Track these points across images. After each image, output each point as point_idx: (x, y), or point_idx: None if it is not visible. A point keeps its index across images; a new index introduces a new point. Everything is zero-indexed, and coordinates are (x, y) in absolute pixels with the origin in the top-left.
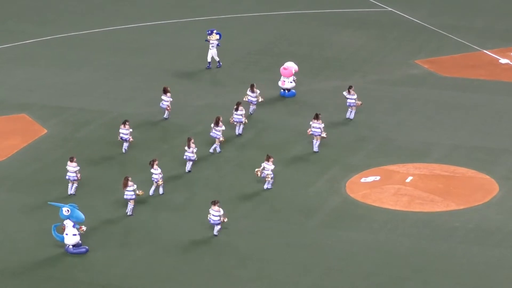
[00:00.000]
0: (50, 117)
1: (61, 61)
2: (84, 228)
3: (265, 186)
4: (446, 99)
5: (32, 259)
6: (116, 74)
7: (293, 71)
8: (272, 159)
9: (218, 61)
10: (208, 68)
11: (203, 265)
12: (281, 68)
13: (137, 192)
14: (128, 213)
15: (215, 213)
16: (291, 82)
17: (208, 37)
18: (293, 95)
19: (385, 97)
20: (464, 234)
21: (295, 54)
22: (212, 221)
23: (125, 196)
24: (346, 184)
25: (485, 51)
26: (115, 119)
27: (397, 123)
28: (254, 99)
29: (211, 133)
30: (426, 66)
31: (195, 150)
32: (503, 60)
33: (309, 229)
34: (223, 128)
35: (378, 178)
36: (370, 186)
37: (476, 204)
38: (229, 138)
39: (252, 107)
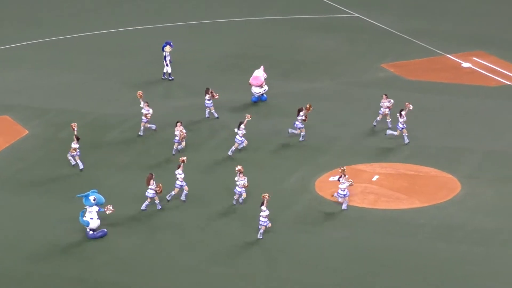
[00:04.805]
0: (32, 118)
1: (45, 64)
2: (111, 207)
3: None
4: (411, 101)
5: (15, 256)
6: (98, 76)
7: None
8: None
9: (167, 73)
10: (164, 78)
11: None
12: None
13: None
14: (149, 208)
15: (263, 214)
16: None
17: (168, 48)
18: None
19: (354, 99)
20: (429, 230)
21: (268, 58)
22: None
23: (146, 194)
24: (315, 183)
25: (448, 55)
26: (96, 119)
27: (364, 124)
28: (210, 103)
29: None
30: (392, 69)
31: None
32: (465, 64)
33: (279, 226)
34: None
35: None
36: (338, 185)
37: (440, 201)
38: (202, 140)
39: (208, 111)
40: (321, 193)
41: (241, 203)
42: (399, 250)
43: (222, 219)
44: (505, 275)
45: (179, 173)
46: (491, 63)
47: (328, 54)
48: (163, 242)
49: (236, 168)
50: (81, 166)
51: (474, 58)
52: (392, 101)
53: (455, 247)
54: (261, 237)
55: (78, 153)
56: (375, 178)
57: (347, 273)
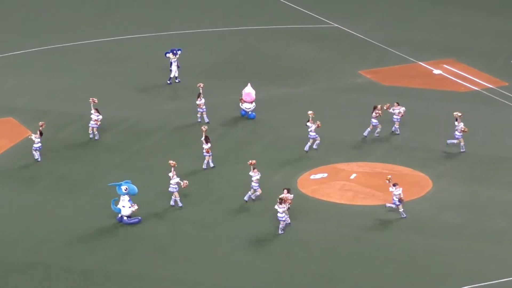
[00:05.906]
0: (35, 120)
1: (46, 70)
2: (136, 206)
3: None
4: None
5: (20, 247)
6: (94, 81)
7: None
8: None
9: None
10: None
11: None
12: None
13: (181, 184)
14: (176, 205)
15: (280, 210)
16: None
17: (170, 55)
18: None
19: (333, 103)
20: (403, 225)
21: (254, 65)
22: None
23: (169, 189)
24: (297, 181)
25: (420, 63)
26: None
27: (343, 126)
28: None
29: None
30: (369, 76)
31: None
32: (436, 71)
33: (265, 220)
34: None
35: (325, 175)
36: (318, 182)
37: (412, 198)
38: (191, 143)
39: (204, 115)
40: (303, 190)
41: (282, 231)
42: (374, 242)
43: (232, 216)
44: (472, 266)
45: (254, 175)
46: (460, 70)
47: (309, 61)
48: (175, 235)
49: (282, 197)
50: (38, 158)
51: (445, 65)
52: (403, 108)
53: (427, 240)
54: (282, 232)
55: (40, 147)
56: (353, 176)
57: (327, 263)
